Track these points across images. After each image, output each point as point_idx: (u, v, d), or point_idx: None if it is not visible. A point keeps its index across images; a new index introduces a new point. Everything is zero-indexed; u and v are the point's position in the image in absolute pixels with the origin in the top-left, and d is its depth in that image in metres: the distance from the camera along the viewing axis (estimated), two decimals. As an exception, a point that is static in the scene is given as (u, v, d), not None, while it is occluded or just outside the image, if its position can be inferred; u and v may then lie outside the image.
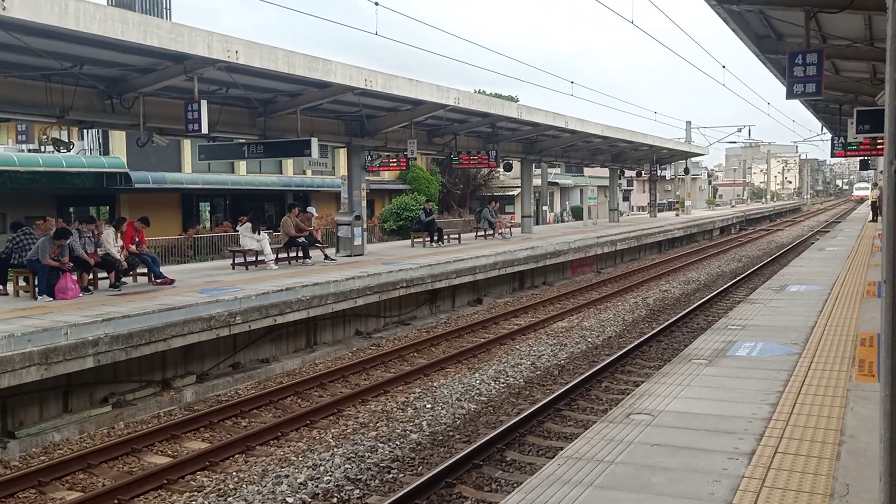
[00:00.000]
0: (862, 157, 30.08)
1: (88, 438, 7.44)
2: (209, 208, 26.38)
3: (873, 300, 8.98)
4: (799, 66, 8.55)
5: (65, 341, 7.30)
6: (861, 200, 71.55)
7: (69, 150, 16.03)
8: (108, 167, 20.23)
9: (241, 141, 13.49)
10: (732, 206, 60.56)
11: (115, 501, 5.81)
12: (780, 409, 4.74)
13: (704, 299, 14.95)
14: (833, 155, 21.46)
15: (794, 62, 8.52)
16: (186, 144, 23.63)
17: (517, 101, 29.31)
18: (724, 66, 21.35)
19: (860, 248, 16.56)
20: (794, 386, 5.28)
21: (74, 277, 9.67)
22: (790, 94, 8.77)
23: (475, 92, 20.91)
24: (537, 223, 28.38)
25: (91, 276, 10.25)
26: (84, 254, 10.01)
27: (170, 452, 7.01)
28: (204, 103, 9.93)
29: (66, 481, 6.32)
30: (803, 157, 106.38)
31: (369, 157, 16.65)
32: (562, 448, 6.51)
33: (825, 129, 29.88)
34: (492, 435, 6.78)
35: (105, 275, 10.50)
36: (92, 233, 10.51)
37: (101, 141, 22.03)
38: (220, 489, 6.01)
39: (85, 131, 20.42)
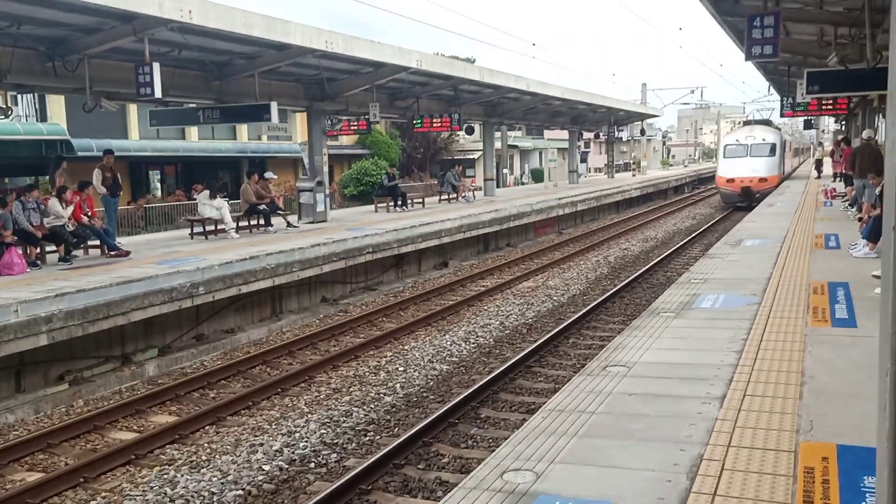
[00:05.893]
0: (806, 118, 31.28)
1: (46, 418, 7.17)
2: (159, 177, 25.44)
3: (821, 251, 9.46)
4: (757, 29, 8.68)
5: (15, 319, 6.97)
6: (745, 190, 24.45)
7: (7, 117, 15.06)
8: (47, 134, 19.11)
9: (195, 106, 12.95)
10: (685, 166, 61.92)
11: (81, 479, 5.64)
12: (745, 355, 4.91)
13: (663, 256, 15.35)
14: (782, 115, 22.11)
15: (753, 25, 8.64)
16: (133, 109, 22.54)
17: (474, 62, 29.00)
18: (680, 28, 21.54)
19: (806, 204, 17.19)
20: (757, 334, 5.48)
21: (20, 252, 9.22)
22: (749, 56, 8.90)
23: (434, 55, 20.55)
24: (498, 186, 28.42)
25: (38, 250, 9.79)
26: (30, 226, 9.51)
27: (136, 428, 6.83)
28: (156, 66, 9.42)
29: (25, 462, 6.08)
30: (750, 117, 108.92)
31: (329, 122, 16.26)
32: (534, 403, 6.68)
33: (773, 90, 30.63)
34: (465, 394, 6.86)
35: (53, 248, 10.03)
36: (36, 203, 9.94)
37: (37, 106, 20.79)
38: (192, 461, 5.91)
39: (19, 96, 19.27)
